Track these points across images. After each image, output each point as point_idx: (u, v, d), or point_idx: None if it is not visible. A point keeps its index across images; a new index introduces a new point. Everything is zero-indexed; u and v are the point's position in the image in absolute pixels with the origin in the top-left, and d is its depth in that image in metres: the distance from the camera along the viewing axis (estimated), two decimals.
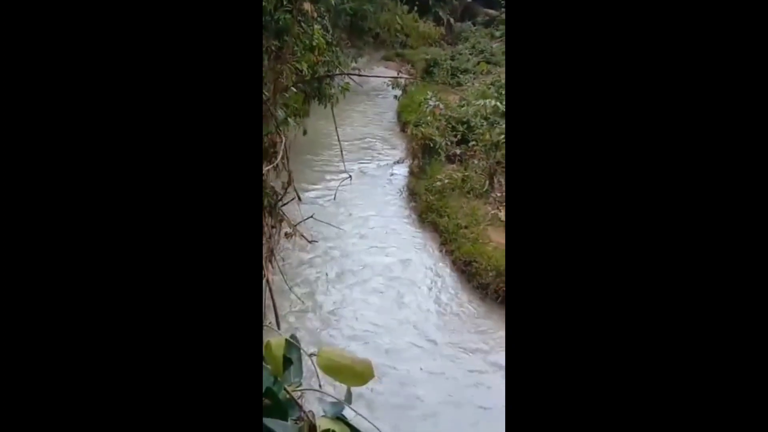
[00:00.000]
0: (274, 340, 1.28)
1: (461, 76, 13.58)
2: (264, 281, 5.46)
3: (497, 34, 15.56)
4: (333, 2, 6.40)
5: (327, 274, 7.21)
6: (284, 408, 1.15)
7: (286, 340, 1.30)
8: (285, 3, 5.51)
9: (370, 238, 8.14)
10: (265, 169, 5.43)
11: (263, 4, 5.31)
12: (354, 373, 1.21)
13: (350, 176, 8.87)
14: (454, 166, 9.56)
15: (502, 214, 8.09)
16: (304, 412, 1.20)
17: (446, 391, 5.51)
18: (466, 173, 9.14)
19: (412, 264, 7.58)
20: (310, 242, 6.87)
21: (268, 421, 1.07)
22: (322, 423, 1.21)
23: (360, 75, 9.73)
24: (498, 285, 6.80)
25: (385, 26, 13.28)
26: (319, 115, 8.20)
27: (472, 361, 5.96)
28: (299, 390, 1.27)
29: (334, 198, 8.56)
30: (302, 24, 6.01)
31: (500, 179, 8.82)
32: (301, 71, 6.36)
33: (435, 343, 6.22)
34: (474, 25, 17.03)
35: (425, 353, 6.05)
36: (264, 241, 5.69)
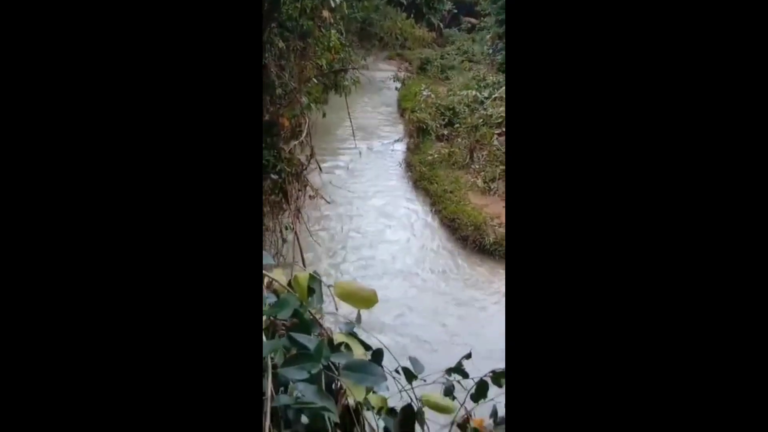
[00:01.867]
0: (300, 274, 1.28)
1: (449, 71, 13.37)
2: (293, 232, 5.49)
3: (477, 38, 15.28)
4: (346, 11, 6.29)
5: (342, 227, 7.24)
6: (308, 326, 1.15)
7: (310, 274, 1.30)
8: (308, 11, 5.40)
9: (376, 199, 8.14)
10: (292, 144, 5.40)
11: (290, 12, 5.21)
12: (362, 299, 1.21)
13: (360, 152, 8.85)
14: (442, 143, 9.48)
15: (479, 182, 8.06)
16: (324, 329, 1.21)
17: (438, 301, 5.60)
18: (452, 149, 9.08)
19: (408, 220, 7.60)
20: (328, 202, 6.88)
21: (295, 335, 1.08)
22: (337, 337, 1.22)
23: (368, 69, 9.64)
24: (475, 237, 6.81)
25: (388, 31, 13.05)
26: (334, 105, 8.11)
27: (453, 291, 6.04)
28: (320, 313, 1.28)
29: (348, 168, 8.55)
30: (322, 29, 5.91)
31: (478, 154, 8.76)
32: (321, 66, 6.28)
33: (429, 278, 6.29)
34: (459, 31, 16.74)
35: (424, 284, 6.13)
36: (292, 202, 5.70)
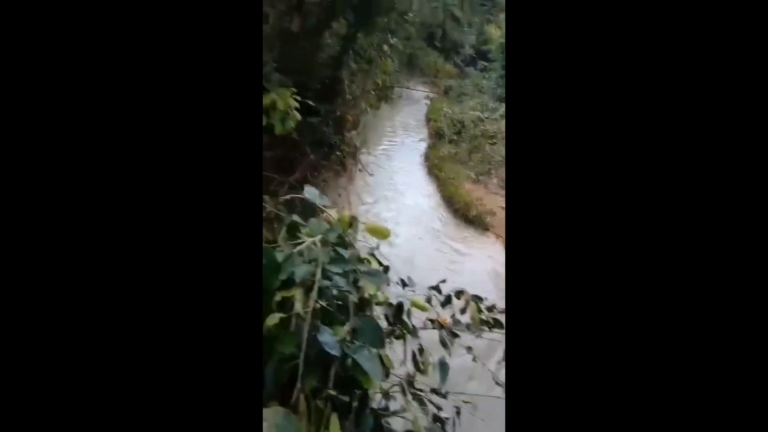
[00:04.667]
0: (345, 213, 1.36)
1: (463, 97, 12.93)
2: (345, 190, 5.57)
3: (487, 76, 14.68)
4: (400, 48, 6.17)
5: (378, 192, 7.28)
6: (346, 245, 1.23)
7: (351, 214, 1.38)
8: (375, 45, 5.31)
9: (402, 177, 8.11)
10: (352, 133, 5.42)
11: (363, 44, 5.13)
12: (381, 233, 1.28)
13: (397, 144, 8.79)
14: (451, 145, 9.29)
15: (472, 174, 7.95)
16: (355, 248, 1.28)
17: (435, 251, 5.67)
18: (457, 150, 8.93)
19: (421, 194, 7.58)
20: (371, 175, 6.92)
21: (338, 248, 1.15)
22: (362, 255, 1.30)
23: (408, 88, 9.46)
24: (464, 210, 6.78)
25: (426, 65, 12.72)
26: (383, 111, 7.98)
27: (440, 236, 6.07)
28: (354, 239, 1.35)
29: (387, 155, 8.52)
30: (381, 57, 5.82)
31: (474, 155, 8.60)
32: (378, 83, 6.22)
33: (431, 230, 6.32)
34: (475, 69, 16.09)
35: (426, 233, 6.18)
36: (347, 171, 5.75)
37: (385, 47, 5.31)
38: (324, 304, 0.87)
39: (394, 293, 1.42)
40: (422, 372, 1.44)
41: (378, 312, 1.37)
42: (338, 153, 5.32)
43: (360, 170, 6.48)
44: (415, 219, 6.65)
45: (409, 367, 1.42)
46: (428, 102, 11.65)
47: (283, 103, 2.60)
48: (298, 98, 2.82)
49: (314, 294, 0.84)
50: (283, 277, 0.81)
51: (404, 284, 1.46)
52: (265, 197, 1.32)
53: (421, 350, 1.45)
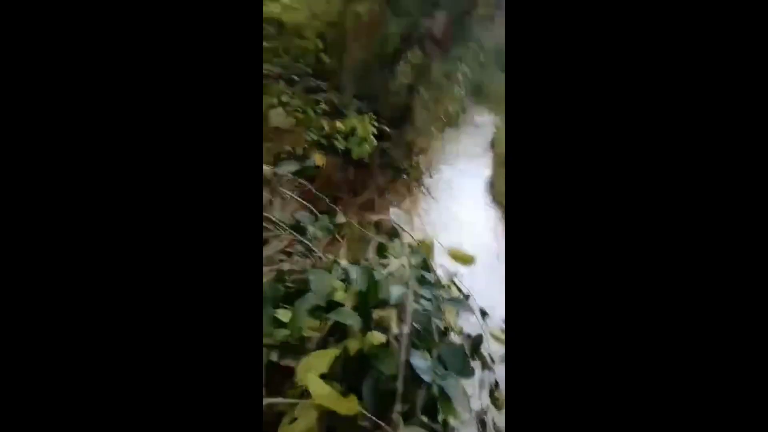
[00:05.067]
0: (427, 239, 1.38)
1: None
2: (408, 213, 5.63)
3: None
4: (469, 76, 6.25)
5: (440, 215, 7.24)
6: (429, 269, 1.25)
7: (433, 240, 1.39)
8: (447, 73, 5.43)
9: (467, 204, 8.00)
10: (419, 157, 5.51)
11: (431, 66, 5.27)
12: (464, 259, 1.28)
13: (461, 170, 8.73)
14: None
15: None
16: (437, 275, 1.30)
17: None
18: None
19: (486, 221, 7.39)
20: (433, 198, 6.93)
21: (423, 273, 1.17)
22: (443, 281, 1.30)
23: (475, 115, 9.37)
24: None
25: (492, 91, 12.66)
26: (449, 135, 8.02)
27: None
28: (434, 265, 1.36)
29: (452, 182, 8.51)
30: (452, 85, 5.92)
31: None
32: (449, 111, 6.31)
33: (497, 259, 6.13)
34: None
35: (492, 261, 5.99)
36: (412, 194, 5.82)
37: (459, 76, 5.40)
38: (418, 327, 0.89)
39: (468, 323, 1.39)
40: (498, 407, 1.38)
41: (455, 341, 1.36)
42: (405, 177, 5.43)
43: (424, 194, 6.52)
44: (480, 247, 6.47)
45: (484, 401, 1.37)
46: (495, 130, 11.50)
47: (362, 129, 2.74)
48: (376, 124, 2.95)
49: (409, 316, 0.86)
50: (381, 296, 0.85)
51: (484, 314, 1.43)
52: (352, 220, 1.39)
53: (497, 384, 1.40)
